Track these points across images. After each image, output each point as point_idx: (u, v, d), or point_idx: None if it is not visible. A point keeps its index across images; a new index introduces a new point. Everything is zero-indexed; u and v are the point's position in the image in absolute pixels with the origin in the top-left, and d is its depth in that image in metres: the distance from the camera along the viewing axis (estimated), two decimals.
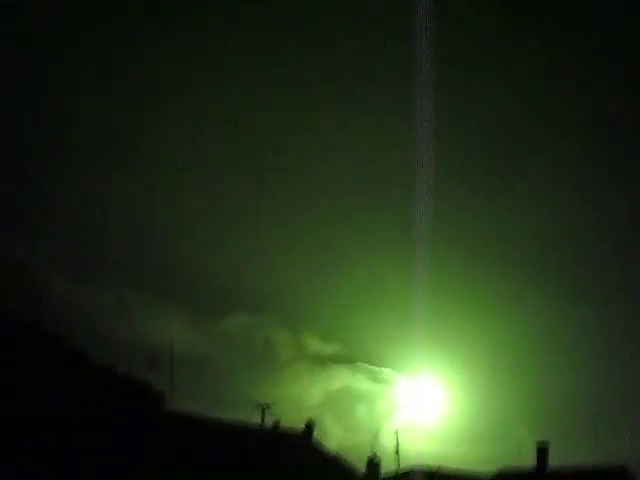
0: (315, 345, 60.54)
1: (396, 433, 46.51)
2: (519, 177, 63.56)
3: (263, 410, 43.28)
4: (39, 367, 27.79)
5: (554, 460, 41.13)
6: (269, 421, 43.21)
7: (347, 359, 61.21)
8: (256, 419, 42.87)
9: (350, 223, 64.19)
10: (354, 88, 61.18)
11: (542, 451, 41.28)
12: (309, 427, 44.34)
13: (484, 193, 63.43)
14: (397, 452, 45.80)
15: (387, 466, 45.16)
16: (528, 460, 41.51)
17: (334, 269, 63.55)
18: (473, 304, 61.02)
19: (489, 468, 43.02)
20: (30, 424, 27.35)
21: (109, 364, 30.84)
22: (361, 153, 62.97)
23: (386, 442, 46.83)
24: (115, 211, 56.50)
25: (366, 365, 59.59)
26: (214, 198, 62.16)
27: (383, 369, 59.30)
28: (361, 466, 44.45)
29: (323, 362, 62.44)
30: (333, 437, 52.55)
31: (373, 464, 44.56)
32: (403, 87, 47.65)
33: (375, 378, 59.81)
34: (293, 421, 44.28)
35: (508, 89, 62.90)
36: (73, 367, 28.89)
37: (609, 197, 62.55)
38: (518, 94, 63.57)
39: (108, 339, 41.33)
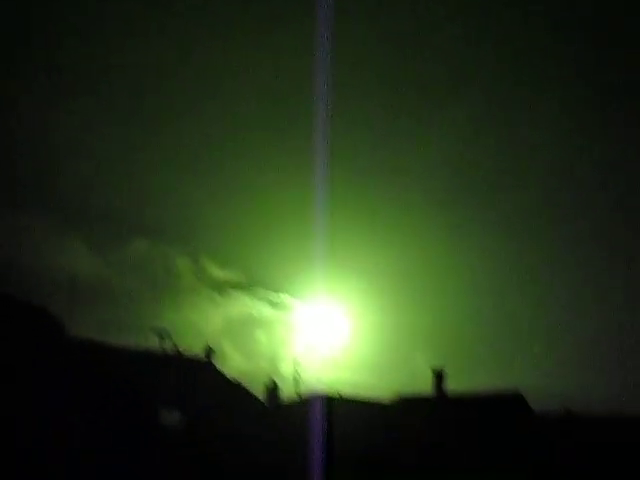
0: (214, 272, 60.07)
1: (295, 361, 46.73)
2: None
3: (162, 336, 42.69)
4: None
5: (451, 387, 42.19)
6: (169, 348, 42.72)
7: (246, 286, 61.04)
8: (156, 345, 42.33)
9: (248, 146, 63.46)
10: None
11: (439, 377, 42.17)
12: (209, 353, 44.09)
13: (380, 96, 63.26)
14: (296, 379, 46.06)
15: (287, 393, 45.44)
16: (426, 388, 42.39)
17: (232, 194, 62.94)
18: (375, 229, 61.43)
19: (388, 395, 43.72)
20: None
21: (9, 292, 29.72)
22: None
23: (286, 370, 47.07)
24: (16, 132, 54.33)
25: (266, 291, 59.53)
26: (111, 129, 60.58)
27: (282, 295, 59.35)
28: (261, 393, 44.61)
29: (222, 289, 62.09)
30: (233, 364, 52.53)
31: (273, 390, 44.76)
32: None
33: (274, 304, 59.84)
34: (193, 348, 43.94)
35: None
36: None
37: None
38: None
39: (7, 266, 39.75)
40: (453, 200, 64.63)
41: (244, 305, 59.67)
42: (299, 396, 44.88)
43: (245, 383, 44.02)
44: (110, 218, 55.23)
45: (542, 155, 66.69)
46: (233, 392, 42.13)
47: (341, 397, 42.38)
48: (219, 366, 44.41)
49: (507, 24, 65.93)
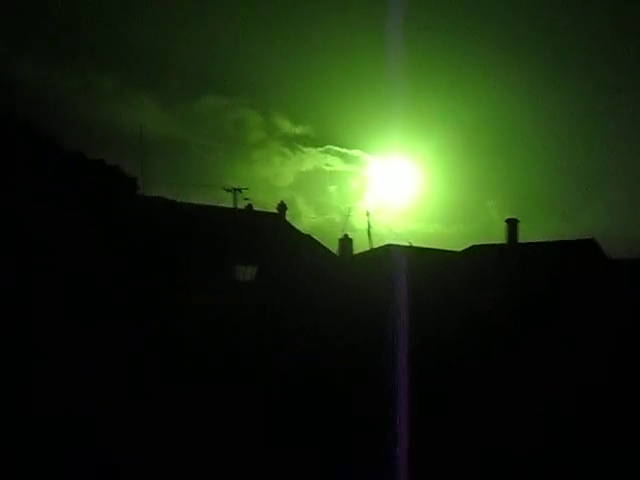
0: (285, 127, 60.08)
1: (367, 213, 46.90)
2: None
3: (235, 193, 43.16)
4: (8, 154, 26.94)
5: (525, 237, 41.97)
6: (241, 204, 43.25)
7: (318, 141, 61.07)
8: (228, 203, 42.86)
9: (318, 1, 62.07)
10: None
11: (512, 226, 41.92)
12: (281, 209, 44.48)
13: None
14: (369, 232, 46.37)
15: (359, 246, 45.85)
16: (499, 237, 42.27)
17: (303, 50, 62.03)
18: (448, 81, 60.28)
19: (461, 245, 43.79)
20: (3, 215, 26.78)
21: (80, 150, 30.07)
22: None
23: (358, 223, 47.34)
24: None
25: (337, 147, 59.31)
26: None
27: (354, 151, 59.12)
28: (334, 246, 45.10)
29: (293, 144, 62.12)
30: (305, 218, 53.14)
31: (345, 243, 45.18)
32: None
33: (346, 159, 59.96)
34: (265, 203, 44.49)
35: None
36: (44, 153, 28.10)
37: None
38: None
39: (78, 125, 40.20)
40: (527, 57, 62.71)
41: (316, 160, 59.61)
42: (372, 249, 45.27)
43: (318, 237, 44.53)
44: (179, 73, 55.07)
45: None
46: (306, 246, 42.61)
47: (413, 247, 42.59)
48: (292, 221, 44.93)
49: None
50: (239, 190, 42.87)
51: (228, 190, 42.79)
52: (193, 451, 23.75)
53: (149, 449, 22.74)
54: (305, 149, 59.80)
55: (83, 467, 21.39)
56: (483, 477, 25.30)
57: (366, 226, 46.25)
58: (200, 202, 38.91)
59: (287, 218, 44.59)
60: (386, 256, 39.50)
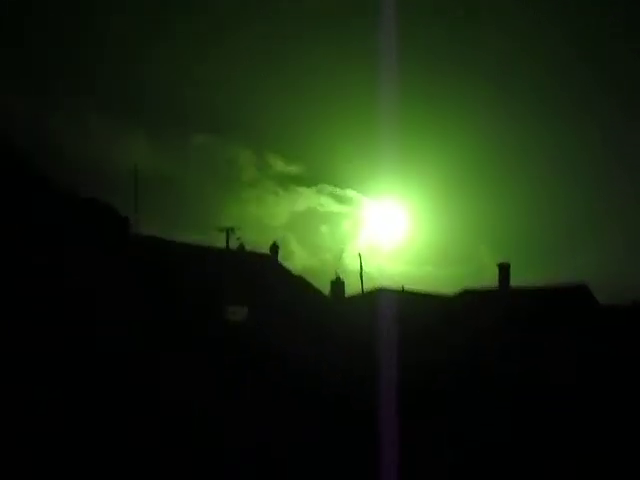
0: (278, 165, 60.30)
1: (360, 255, 46.94)
2: None
3: (227, 233, 43.19)
4: None
5: (516, 281, 41.97)
6: (234, 244, 43.24)
7: (311, 180, 61.37)
8: (221, 242, 42.86)
9: (312, 38, 62.51)
10: None
11: (504, 270, 41.96)
12: (274, 249, 44.44)
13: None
14: (361, 274, 46.37)
15: (351, 287, 45.79)
16: (490, 281, 42.28)
17: (296, 88, 62.39)
18: (440, 124, 60.61)
19: (452, 289, 43.78)
20: None
21: (73, 188, 29.99)
22: None
23: (350, 264, 47.34)
24: (80, 33, 54.28)
25: (330, 186, 59.45)
26: (175, 20, 59.96)
27: (347, 190, 59.27)
28: (326, 287, 45.02)
29: (286, 183, 62.32)
30: (298, 258, 53.10)
31: (338, 285, 45.10)
32: None
33: (339, 199, 60.12)
34: (258, 243, 44.44)
35: None
36: (35, 191, 28.05)
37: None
38: None
39: (70, 162, 40.27)
40: (516, 97, 63.20)
41: (309, 200, 59.73)
42: (364, 291, 45.22)
43: (310, 278, 44.47)
44: (171, 111, 55.27)
45: None
46: (299, 287, 42.54)
47: (404, 290, 42.59)
48: (285, 261, 44.87)
49: None
50: (232, 230, 42.93)
51: (221, 230, 42.89)
52: None
53: None
54: (298, 188, 60.09)
55: None
56: None
57: (358, 268, 46.28)
58: (192, 241, 38.94)
59: (279, 258, 44.54)
60: (378, 299, 39.46)
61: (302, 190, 59.78)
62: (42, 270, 27.24)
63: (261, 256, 43.46)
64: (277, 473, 25.87)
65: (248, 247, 43.34)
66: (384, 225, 55.42)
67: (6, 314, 25.02)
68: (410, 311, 36.99)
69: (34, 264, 27.18)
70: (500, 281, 41.72)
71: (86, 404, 24.96)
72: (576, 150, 62.85)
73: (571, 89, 64.55)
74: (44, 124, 51.94)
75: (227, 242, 42.99)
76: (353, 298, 44.86)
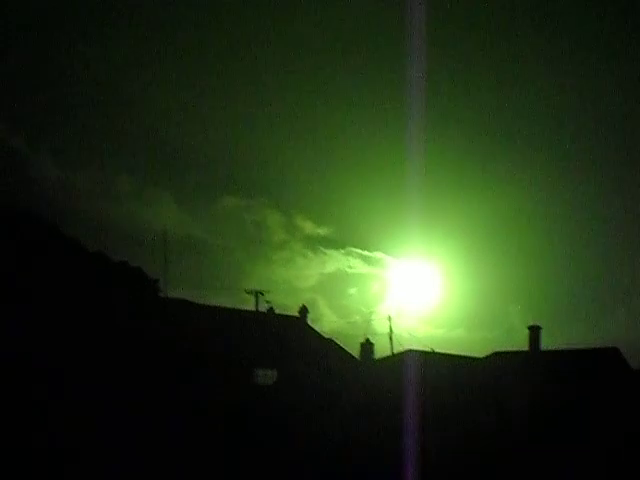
0: (307, 228, 60.29)
1: (389, 318, 46.81)
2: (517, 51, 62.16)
3: (257, 296, 43.30)
4: (33, 256, 27.34)
5: (547, 343, 41.66)
6: (263, 307, 43.32)
7: (339, 242, 61.22)
8: (250, 304, 42.98)
9: (341, 104, 63.17)
10: None
11: (534, 333, 41.65)
12: (303, 312, 44.47)
13: (479, 66, 62.19)
14: (390, 337, 46.20)
15: (381, 349, 45.58)
16: (521, 344, 41.96)
17: (326, 152, 62.89)
18: (468, 185, 60.72)
19: (482, 351, 43.42)
20: (27, 313, 27.06)
21: (103, 252, 30.42)
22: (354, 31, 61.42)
23: (379, 327, 47.17)
24: (105, 96, 55.23)
25: (359, 249, 59.56)
26: (203, 82, 60.93)
27: (376, 253, 59.29)
28: (355, 349, 44.86)
29: (315, 245, 62.42)
30: (327, 321, 52.97)
31: (367, 347, 44.93)
32: None
33: (368, 261, 59.86)
34: (287, 305, 44.50)
35: None
36: (66, 255, 28.47)
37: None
38: None
39: (99, 226, 40.77)
40: (547, 157, 63.29)
41: (338, 261, 59.81)
42: (394, 353, 44.98)
43: (340, 341, 44.36)
44: (199, 173, 55.82)
45: None
46: (328, 350, 42.45)
47: (434, 353, 42.27)
48: (313, 324, 44.85)
49: None
50: (260, 293, 43.05)
51: (249, 292, 43.02)
52: None
53: None
54: (327, 251, 60.01)
55: None
56: None
57: (387, 330, 46.13)
58: (221, 304, 39.09)
59: (308, 321, 44.55)
60: (407, 362, 39.21)
61: (331, 252, 59.75)
62: (78, 334, 27.59)
63: (290, 319, 43.50)
64: None
65: (277, 310, 43.41)
66: (413, 287, 55.26)
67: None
68: (439, 372, 36.78)
69: (71, 329, 27.56)
70: (530, 343, 41.41)
71: None
72: (608, 211, 62.41)
73: (608, 150, 64.34)
74: (70, 186, 52.73)
75: (256, 305, 43.11)
76: (383, 360, 44.61)
